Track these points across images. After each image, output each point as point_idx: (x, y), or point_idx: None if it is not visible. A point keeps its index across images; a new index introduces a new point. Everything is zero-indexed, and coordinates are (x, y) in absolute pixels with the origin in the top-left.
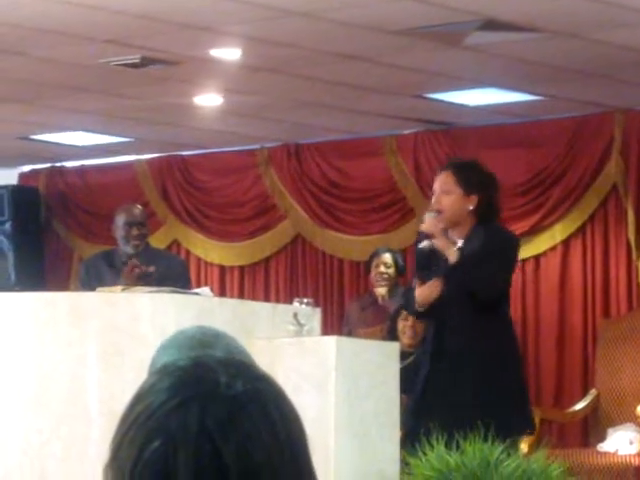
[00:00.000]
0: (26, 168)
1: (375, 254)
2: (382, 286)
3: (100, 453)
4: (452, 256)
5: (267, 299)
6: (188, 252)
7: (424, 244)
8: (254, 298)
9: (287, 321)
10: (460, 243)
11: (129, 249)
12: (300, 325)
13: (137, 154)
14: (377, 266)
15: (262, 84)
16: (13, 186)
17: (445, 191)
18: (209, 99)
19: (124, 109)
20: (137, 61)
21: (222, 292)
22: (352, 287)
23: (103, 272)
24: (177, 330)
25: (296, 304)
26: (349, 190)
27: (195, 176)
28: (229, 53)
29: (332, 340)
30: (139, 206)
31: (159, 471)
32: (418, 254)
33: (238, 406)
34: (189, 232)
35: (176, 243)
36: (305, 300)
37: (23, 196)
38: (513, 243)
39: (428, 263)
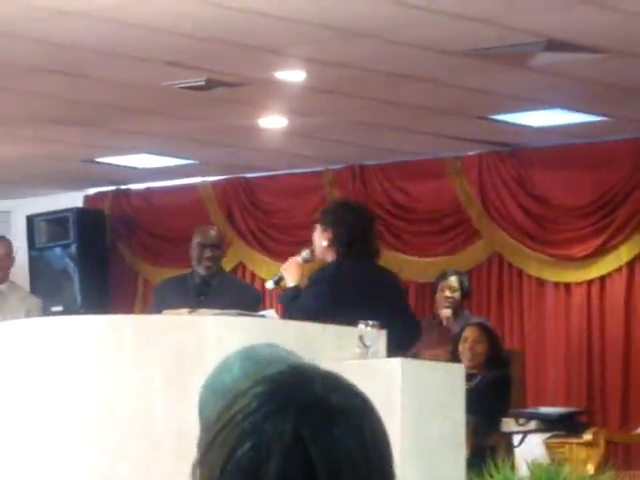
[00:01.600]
0: (91, 191)
1: (442, 276)
2: (447, 308)
3: (166, 474)
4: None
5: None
6: (253, 274)
7: (269, 283)
8: None
9: (353, 343)
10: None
11: (201, 270)
12: (366, 347)
13: (202, 176)
14: (442, 290)
15: (327, 106)
16: (78, 209)
17: (314, 229)
18: (274, 121)
19: (189, 131)
20: (202, 83)
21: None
22: (417, 309)
23: (173, 296)
24: (245, 347)
25: (361, 326)
26: (414, 211)
27: (260, 198)
28: (293, 75)
29: (398, 362)
30: (215, 228)
31: (249, 472)
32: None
33: (333, 419)
34: (254, 254)
35: (241, 265)
36: (370, 322)
37: (88, 219)
38: (324, 276)
39: None
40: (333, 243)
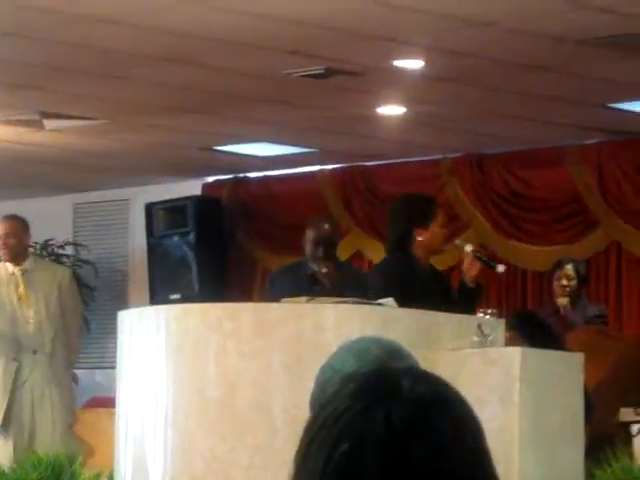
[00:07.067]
0: (210, 179)
1: (558, 265)
2: (563, 296)
3: (285, 462)
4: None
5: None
6: (371, 263)
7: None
8: None
9: (471, 332)
10: None
11: (315, 267)
12: (484, 336)
13: (320, 164)
14: (559, 278)
15: (445, 94)
16: (197, 197)
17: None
18: (392, 109)
19: (307, 120)
20: (322, 72)
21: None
22: (535, 297)
23: (287, 285)
24: (355, 340)
25: (480, 315)
26: (532, 200)
27: (378, 186)
28: (412, 64)
29: (517, 351)
30: (329, 220)
31: (349, 473)
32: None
33: (424, 409)
34: (372, 242)
35: (359, 253)
36: (489, 310)
37: (207, 207)
38: None
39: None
40: None
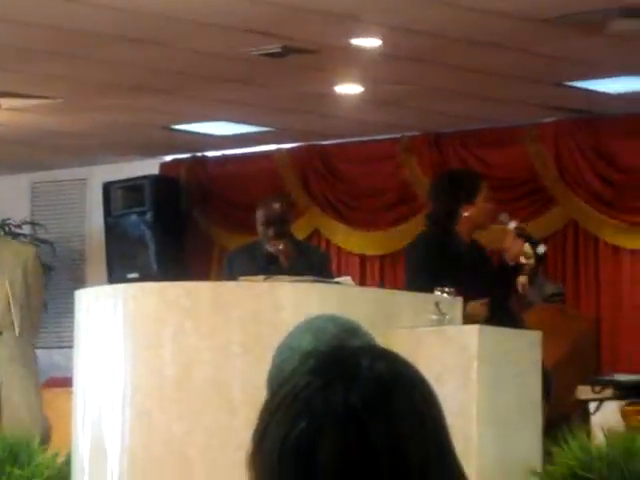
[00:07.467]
0: (168, 158)
1: None
2: (522, 275)
3: (242, 442)
4: None
5: None
6: (328, 241)
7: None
8: (395, 287)
9: (429, 310)
10: None
11: (269, 248)
12: (442, 314)
13: (278, 144)
14: None
15: (403, 73)
16: (154, 176)
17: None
18: (350, 88)
19: (265, 99)
20: (278, 50)
21: (362, 281)
22: None
23: (243, 265)
24: (311, 318)
25: (437, 293)
26: (490, 179)
27: (336, 165)
28: (370, 42)
29: (474, 329)
30: (280, 199)
31: (307, 450)
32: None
33: (383, 387)
34: (330, 221)
35: (317, 233)
36: (446, 289)
37: (164, 186)
38: None
39: None
40: None
